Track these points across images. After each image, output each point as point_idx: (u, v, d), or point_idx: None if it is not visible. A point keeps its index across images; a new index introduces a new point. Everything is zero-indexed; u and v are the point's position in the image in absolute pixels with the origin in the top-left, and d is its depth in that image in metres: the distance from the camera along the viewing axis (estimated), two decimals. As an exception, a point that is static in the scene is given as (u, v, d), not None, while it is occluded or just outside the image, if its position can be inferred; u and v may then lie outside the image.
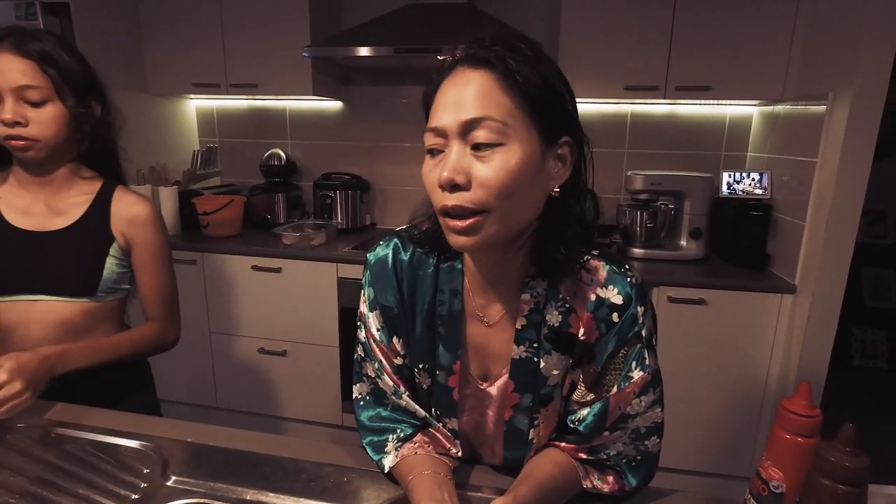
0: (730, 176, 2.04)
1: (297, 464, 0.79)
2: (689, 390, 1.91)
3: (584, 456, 0.71)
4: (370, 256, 0.76)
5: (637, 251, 2.08)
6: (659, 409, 0.71)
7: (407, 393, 0.76)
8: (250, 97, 2.55)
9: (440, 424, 0.77)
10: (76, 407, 0.93)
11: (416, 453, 0.73)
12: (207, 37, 2.26)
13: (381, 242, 0.76)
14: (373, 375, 0.77)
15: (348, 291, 2.10)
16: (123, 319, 1.13)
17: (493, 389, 0.74)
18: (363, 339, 0.77)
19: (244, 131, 2.69)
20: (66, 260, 1.00)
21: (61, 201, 1.03)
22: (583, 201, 0.66)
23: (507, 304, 0.71)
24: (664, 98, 1.98)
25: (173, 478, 0.76)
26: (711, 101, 2.14)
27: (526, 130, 0.59)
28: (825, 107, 1.66)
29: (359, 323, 0.78)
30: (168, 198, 2.29)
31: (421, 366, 0.75)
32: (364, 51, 1.98)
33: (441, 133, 0.59)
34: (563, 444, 0.72)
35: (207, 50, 2.27)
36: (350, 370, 2.02)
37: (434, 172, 0.60)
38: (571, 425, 0.71)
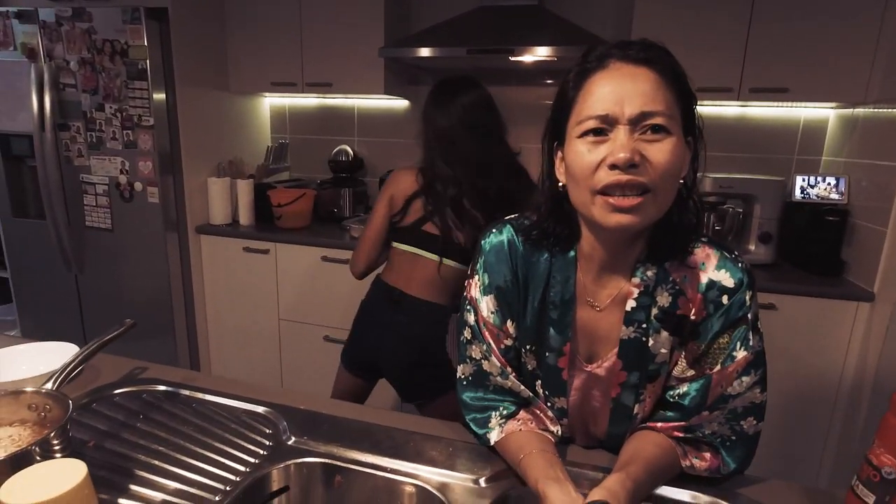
0: (804, 180, 2.00)
1: (406, 434, 0.85)
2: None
3: (680, 435, 0.74)
4: (485, 243, 0.80)
5: (703, 254, 2.05)
6: (758, 391, 0.73)
7: (513, 374, 0.80)
8: (321, 95, 2.66)
9: (548, 404, 0.81)
10: (198, 374, 1.03)
11: (520, 430, 0.78)
12: (286, 39, 2.38)
13: (494, 230, 0.81)
14: (478, 357, 0.81)
15: (413, 284, 2.17)
16: None
17: (601, 371, 0.78)
18: (472, 323, 0.81)
19: (314, 128, 2.82)
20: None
21: None
22: (696, 193, 0.72)
23: (617, 288, 0.75)
24: (737, 100, 1.96)
25: (293, 438, 0.84)
26: (785, 104, 2.10)
27: (677, 124, 0.65)
28: (913, 110, 1.61)
29: (468, 307, 0.82)
30: (244, 191, 2.43)
31: (529, 347, 0.80)
32: (438, 52, 2.05)
33: (608, 120, 0.64)
34: (659, 425, 0.75)
35: (286, 51, 2.40)
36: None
37: (596, 153, 0.64)
38: (671, 400, 0.75)
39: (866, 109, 1.90)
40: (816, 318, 1.80)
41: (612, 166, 0.63)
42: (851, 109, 2.00)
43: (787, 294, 1.81)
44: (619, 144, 0.63)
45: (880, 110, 1.81)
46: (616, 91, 0.64)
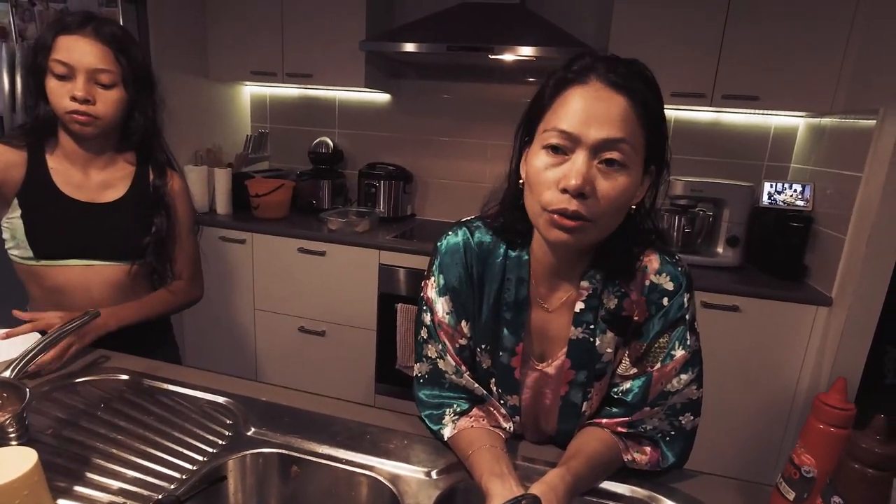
0: (771, 186, 2.05)
1: (363, 427, 0.87)
2: (716, 396, 1.95)
3: (623, 430, 0.78)
4: (441, 245, 0.83)
5: (673, 255, 2.11)
6: (695, 388, 0.77)
7: (467, 373, 0.83)
8: (302, 86, 2.65)
9: (501, 402, 0.84)
10: (163, 364, 1.04)
11: (472, 427, 0.80)
12: (268, 27, 2.37)
13: (450, 232, 0.83)
14: (434, 356, 0.83)
15: (388, 278, 2.19)
16: (153, 278, 1.25)
17: (551, 369, 0.81)
18: (428, 323, 0.83)
19: (294, 119, 2.81)
20: (119, 229, 1.13)
21: (108, 176, 1.14)
22: (651, 217, 0.76)
23: (567, 291, 0.79)
24: (710, 106, 2.00)
25: (253, 429, 0.85)
26: (757, 111, 2.15)
27: (639, 155, 0.68)
28: (875, 122, 1.66)
29: (424, 308, 0.84)
30: (222, 179, 2.42)
31: (483, 346, 0.82)
32: (419, 47, 2.06)
33: (573, 138, 0.65)
34: (604, 420, 0.79)
35: (267, 40, 2.38)
36: (385, 354, 2.08)
37: (553, 172, 0.67)
38: (615, 396, 0.79)
39: (833, 119, 1.96)
40: (778, 321, 1.86)
41: (564, 190, 0.65)
42: (819, 119, 2.06)
43: (751, 297, 1.87)
44: (576, 170, 0.64)
45: (845, 120, 1.87)
46: (586, 111, 0.65)
